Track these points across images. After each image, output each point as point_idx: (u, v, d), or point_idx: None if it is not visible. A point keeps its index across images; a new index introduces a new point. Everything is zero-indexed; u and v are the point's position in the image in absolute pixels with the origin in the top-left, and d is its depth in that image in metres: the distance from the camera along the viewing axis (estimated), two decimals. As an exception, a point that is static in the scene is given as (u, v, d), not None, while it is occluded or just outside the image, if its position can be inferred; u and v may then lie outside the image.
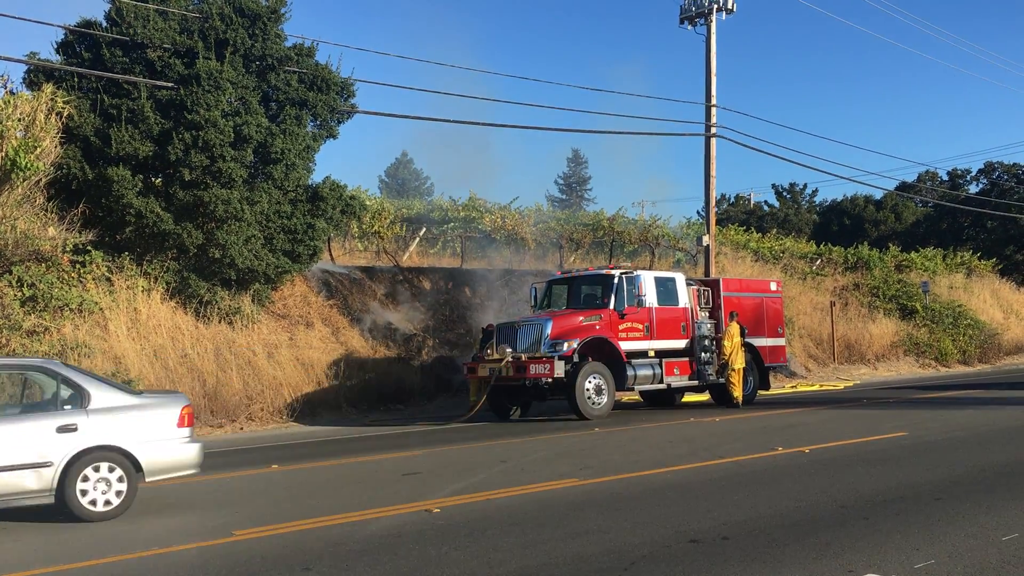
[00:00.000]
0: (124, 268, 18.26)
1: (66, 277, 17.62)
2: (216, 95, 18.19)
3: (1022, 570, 5.98)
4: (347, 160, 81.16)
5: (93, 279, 17.87)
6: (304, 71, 20.00)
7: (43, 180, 17.42)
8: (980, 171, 56.27)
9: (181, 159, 18.05)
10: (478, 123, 31.21)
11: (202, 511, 8.74)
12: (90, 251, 17.94)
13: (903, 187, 56.28)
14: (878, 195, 58.00)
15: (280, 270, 19.76)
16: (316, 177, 21.13)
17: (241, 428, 17.81)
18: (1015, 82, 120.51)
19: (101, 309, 17.57)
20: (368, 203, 26.48)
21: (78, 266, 17.86)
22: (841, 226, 56.15)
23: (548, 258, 30.17)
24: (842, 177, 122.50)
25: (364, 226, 26.82)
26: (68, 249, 17.72)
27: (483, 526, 7.61)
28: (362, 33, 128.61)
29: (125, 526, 8.12)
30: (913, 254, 42.58)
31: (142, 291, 18.30)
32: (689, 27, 28.08)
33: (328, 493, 9.56)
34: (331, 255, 24.65)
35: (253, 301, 19.94)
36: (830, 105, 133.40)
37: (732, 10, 27.62)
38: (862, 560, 6.27)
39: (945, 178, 58.08)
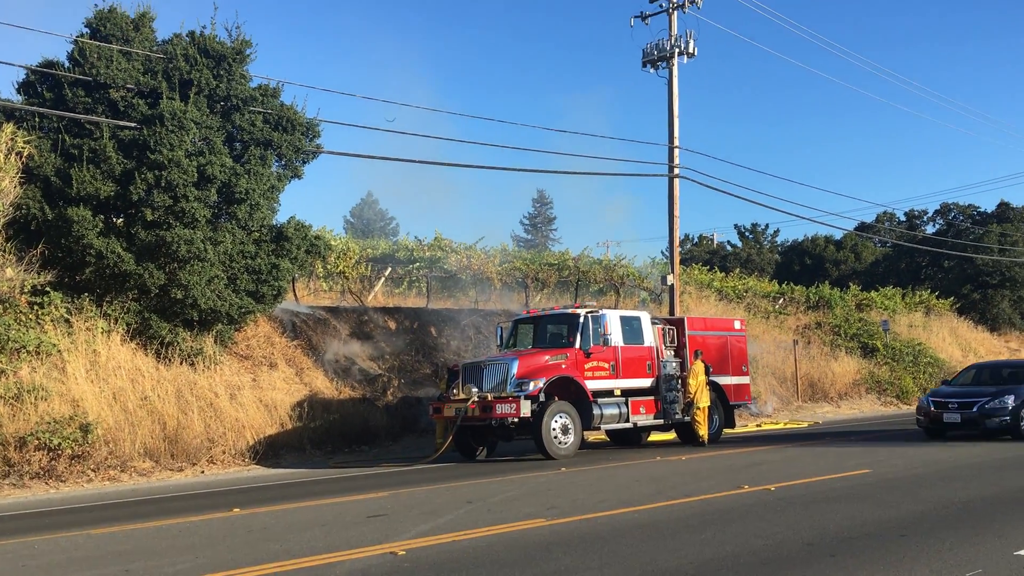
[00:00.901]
0: (84, 309, 17.99)
1: (24, 319, 17.33)
2: (180, 135, 18.12)
3: (986, 605, 6.01)
4: (312, 200, 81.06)
5: (51, 320, 17.58)
6: (269, 111, 20.00)
7: (1, 220, 17.20)
8: (936, 212, 57.49)
9: (143, 199, 17.92)
10: (444, 163, 31.60)
11: (160, 556, 8.53)
12: (49, 292, 17.67)
13: (862, 227, 57.29)
14: (838, 235, 59.00)
15: (243, 311, 19.57)
16: (281, 217, 21.08)
17: (202, 471, 17.49)
18: (969, 125, 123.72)
19: (59, 351, 17.26)
20: (333, 243, 26.42)
21: (36, 307, 17.57)
22: (803, 265, 56.93)
23: (514, 297, 30.22)
24: (803, 217, 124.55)
25: (329, 266, 26.73)
26: (26, 290, 17.47)
27: (450, 568, 7.51)
28: (328, 74, 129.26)
29: (87, 571, 7.90)
30: (873, 293, 43.24)
31: (102, 332, 18.02)
32: (652, 70, 28.52)
33: (291, 536, 9.38)
34: (295, 295, 24.49)
35: (216, 342, 19.71)
36: (791, 146, 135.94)
37: (693, 54, 28.13)
38: (829, 597, 6.26)
39: (903, 219, 59.24)
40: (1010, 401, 18.13)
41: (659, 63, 28.40)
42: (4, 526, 11.34)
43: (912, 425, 20.35)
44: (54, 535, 10.17)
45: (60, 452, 16.02)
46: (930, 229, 56.64)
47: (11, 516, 12.51)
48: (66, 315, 17.79)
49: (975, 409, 18.24)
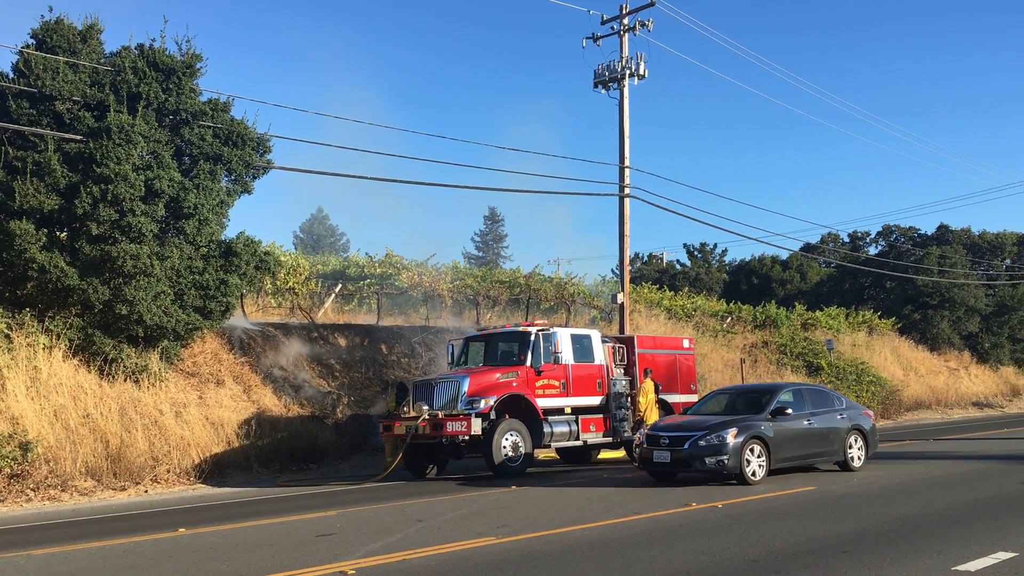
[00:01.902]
0: (25, 324, 17.58)
1: (-39, 334, 16.88)
2: (127, 148, 17.87)
3: (925, 619, 6.16)
4: (261, 216, 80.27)
5: (-10, 336, 17.15)
6: (219, 126, 19.81)
7: (-60, 233, 16.77)
8: (879, 233, 58.80)
9: (88, 213, 17.61)
10: (394, 180, 31.43)
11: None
12: (-12, 307, 17.24)
13: (807, 248, 58.37)
14: (784, 255, 60.03)
15: (190, 327, 19.28)
16: (230, 232, 20.87)
17: (146, 491, 17.16)
18: (910, 150, 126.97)
19: (-2, 367, 16.83)
20: (283, 259, 26.19)
21: (-26, 322, 17.13)
22: (750, 285, 57.79)
23: (465, 315, 30.23)
24: (750, 238, 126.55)
25: (279, 282, 26.48)
26: (-35, 305, 17.02)
27: (399, 587, 7.48)
28: (278, 91, 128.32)
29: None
30: (818, 312, 44.04)
31: (43, 348, 17.62)
32: (603, 91, 28.82)
33: (239, 556, 9.26)
34: (244, 311, 24.20)
35: (161, 358, 19.39)
36: (739, 167, 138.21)
37: (644, 76, 28.50)
38: (774, 613, 6.37)
39: (847, 240, 60.48)
40: (729, 437, 14.29)
41: (610, 84, 28.72)
42: (-62, 548, 11.01)
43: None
44: (-8, 557, 9.91)
45: (-2, 471, 15.61)
46: (873, 250, 57.91)
47: (-54, 537, 12.15)
48: (6, 330, 17.37)
49: (686, 446, 14.46)
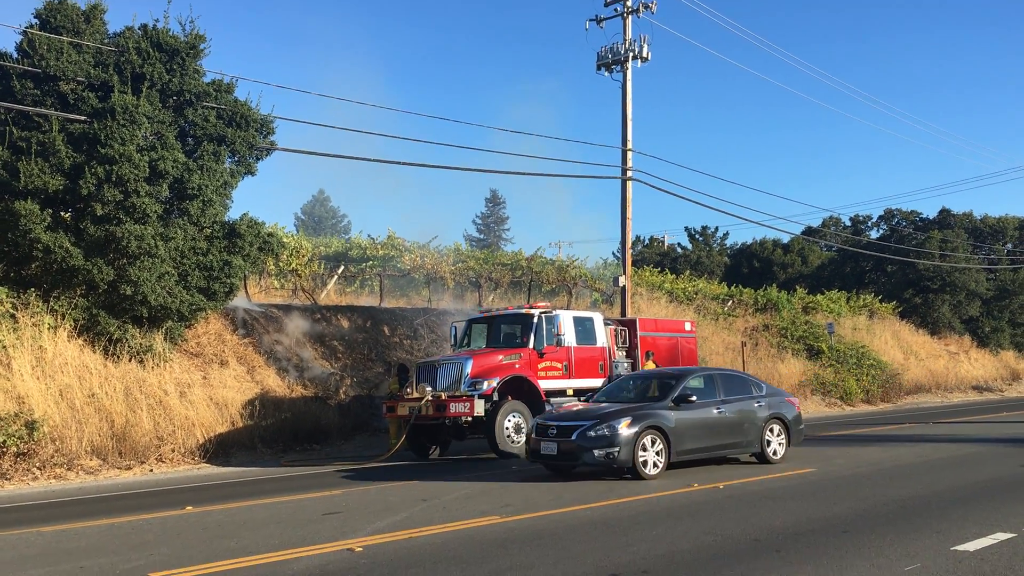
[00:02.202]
0: (30, 305, 17.66)
1: (-33, 314, 16.97)
2: (131, 129, 17.88)
3: (924, 597, 6.26)
4: (263, 197, 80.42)
5: (-4, 316, 17.23)
6: (223, 107, 19.82)
7: (-55, 213, 16.83)
8: (880, 217, 58.73)
9: (93, 194, 17.65)
10: (398, 162, 31.55)
11: (114, 554, 8.48)
12: (-7, 287, 17.32)
13: (809, 231, 58.35)
14: (785, 239, 59.98)
15: (194, 308, 19.36)
16: (233, 214, 20.89)
17: (151, 470, 17.30)
18: (912, 134, 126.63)
19: (4, 347, 16.93)
20: (286, 240, 26.24)
21: (-20, 302, 17.21)
22: (751, 268, 57.81)
23: (467, 297, 30.30)
24: (751, 221, 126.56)
25: (281, 264, 26.51)
26: (-30, 285, 17.09)
27: (407, 564, 7.60)
28: (280, 72, 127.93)
29: (40, 569, 7.83)
30: (819, 296, 44.11)
31: (48, 328, 17.70)
32: (606, 73, 28.80)
33: (247, 534, 9.38)
34: (247, 293, 24.28)
35: (166, 339, 19.48)
36: (741, 151, 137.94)
37: (647, 58, 28.46)
38: (776, 590, 6.47)
39: (848, 223, 60.44)
40: (621, 427, 13.00)
41: (613, 67, 28.69)
42: (-51, 525, 11.14)
43: (858, 426, 20.80)
44: (2, 532, 10.03)
45: (5, 450, 15.73)
46: (874, 234, 57.88)
47: (-45, 515, 12.29)
48: (11, 310, 17.46)
49: (574, 437, 13.19)
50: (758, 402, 15.01)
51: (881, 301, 47.27)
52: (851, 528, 8.88)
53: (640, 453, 13.06)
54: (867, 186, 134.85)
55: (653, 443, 13.26)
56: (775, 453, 15.00)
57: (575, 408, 14.70)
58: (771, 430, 15.04)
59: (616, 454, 12.93)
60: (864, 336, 41.84)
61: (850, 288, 49.58)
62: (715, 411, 14.24)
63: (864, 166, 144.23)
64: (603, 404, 14.38)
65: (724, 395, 14.58)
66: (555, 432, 13.50)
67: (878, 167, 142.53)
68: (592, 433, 13.08)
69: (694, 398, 13.93)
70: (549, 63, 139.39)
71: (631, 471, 13.08)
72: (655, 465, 13.22)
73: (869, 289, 50.90)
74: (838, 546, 8.03)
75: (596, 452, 13.00)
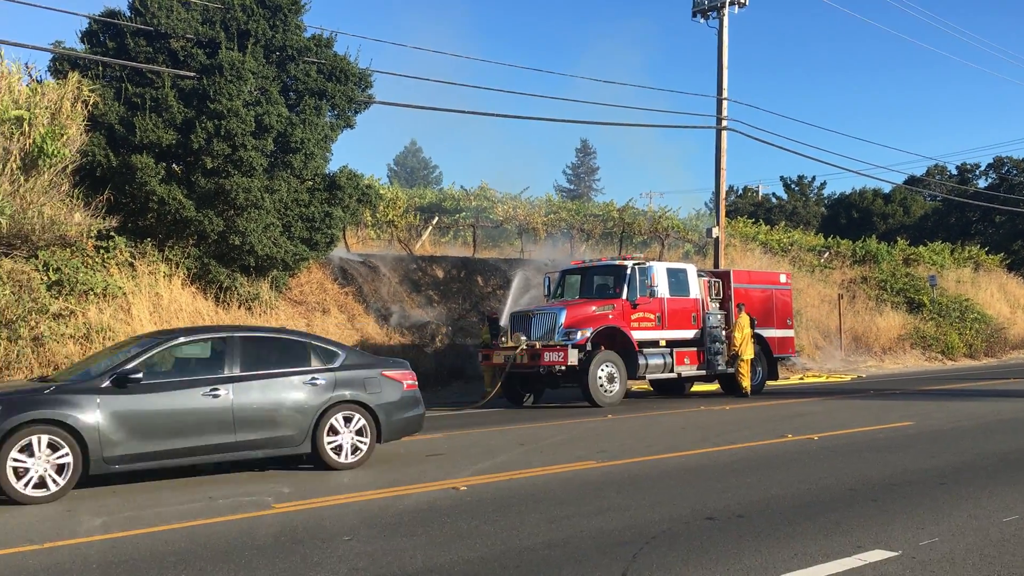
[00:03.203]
0: (146, 254, 18.63)
1: (90, 262, 18.01)
2: (238, 85, 18.52)
3: (1020, 547, 6.32)
4: (358, 148, 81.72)
5: (116, 264, 18.25)
6: (323, 61, 20.31)
7: (69, 167, 17.79)
8: (989, 166, 56.38)
9: (203, 147, 18.40)
10: (490, 114, 31.93)
11: (240, 485, 9.13)
12: (114, 237, 18.31)
13: (912, 181, 56.42)
14: (886, 188, 58.22)
15: (298, 257, 20.11)
16: (332, 166, 21.50)
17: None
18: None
19: (124, 293, 17.94)
20: (382, 192, 26.86)
21: (102, 251, 18.24)
22: (849, 219, 56.36)
23: (559, 248, 30.51)
24: (850, 170, 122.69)
25: (378, 215, 27.19)
26: (92, 235, 18.10)
27: (509, 503, 7.99)
28: (376, 23, 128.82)
29: (173, 498, 8.51)
30: (921, 248, 42.83)
31: (164, 276, 18.67)
32: (702, 20, 28.32)
33: (356, 472, 9.94)
34: (346, 243, 25.02)
35: (271, 287, 20.32)
36: (840, 98, 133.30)
37: (744, 3, 27.85)
38: (870, 537, 6.62)
39: (954, 172, 58.21)
40: None
41: (709, 12, 28.17)
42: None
43: (959, 380, 20.37)
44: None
45: (128, 390, 16.75)
46: (982, 183, 55.64)
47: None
48: (130, 259, 18.45)
49: None
50: (313, 379, 10.21)
51: (988, 253, 45.61)
52: (948, 480, 8.89)
53: (11, 470, 8.41)
54: (975, 133, 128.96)
55: (40, 454, 8.56)
56: (343, 454, 10.23)
57: None
58: (337, 421, 10.26)
59: None
60: (968, 289, 40.54)
61: (954, 240, 47.93)
62: (202, 394, 9.49)
63: (972, 112, 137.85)
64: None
65: (243, 369, 9.85)
66: None
67: (987, 113, 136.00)
68: None
69: (139, 376, 9.15)
70: (641, 8, 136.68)
71: None
72: (42, 485, 8.55)
73: (975, 240, 49.14)
74: (934, 497, 8.09)
75: None
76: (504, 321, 20.37)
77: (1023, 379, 24.00)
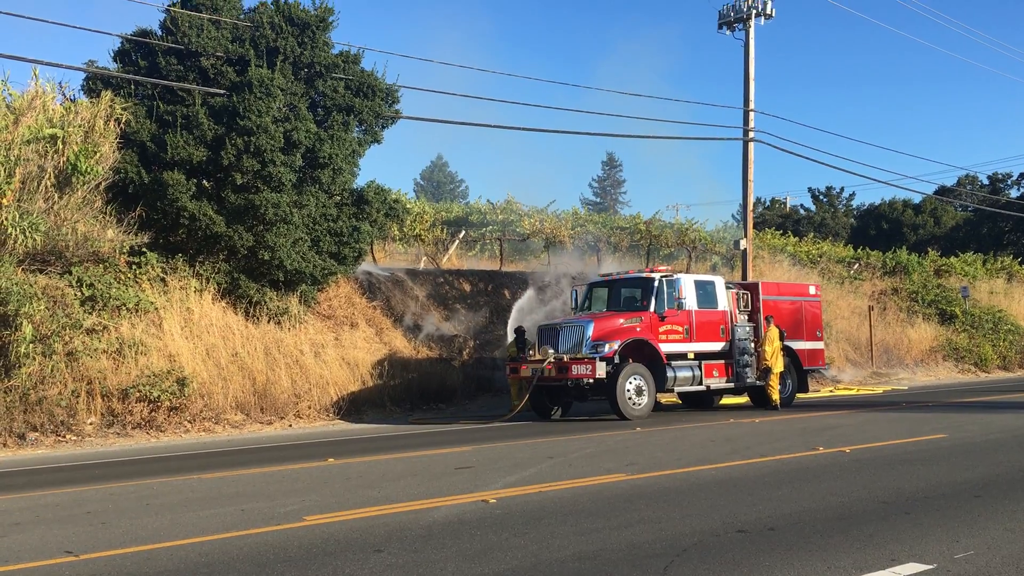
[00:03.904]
0: (178, 269, 18.87)
1: (123, 277, 18.27)
2: (267, 101, 18.74)
3: (1060, 561, 6.22)
4: (385, 163, 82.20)
5: (148, 279, 18.50)
6: (351, 78, 20.52)
7: (102, 184, 18.10)
8: (1021, 175, 55.75)
9: (233, 164, 18.62)
10: (516, 127, 31.87)
11: (270, 499, 9.19)
12: (145, 252, 18.58)
13: (942, 191, 55.86)
14: (916, 199, 57.67)
15: (326, 272, 20.27)
16: (360, 181, 21.68)
17: (290, 425, 18.33)
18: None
19: (156, 308, 18.18)
20: (409, 206, 27.01)
21: (134, 267, 18.51)
22: (879, 230, 55.86)
23: (586, 261, 30.48)
24: (879, 181, 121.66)
25: (406, 229, 27.33)
26: (125, 250, 18.37)
27: (539, 515, 7.98)
28: (403, 39, 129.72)
29: (207, 510, 8.58)
30: (952, 259, 42.35)
31: (194, 291, 18.90)
32: (728, 32, 28.30)
33: (386, 484, 9.97)
34: (374, 257, 25.18)
35: (300, 302, 20.48)
36: (868, 109, 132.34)
37: (771, 15, 27.81)
38: (904, 550, 6.55)
39: (985, 182, 57.56)
40: None
41: (735, 24, 28.16)
42: (118, 470, 12.20)
43: (993, 392, 20.10)
44: (168, 478, 10.97)
45: (159, 404, 16.96)
46: (1014, 193, 55.00)
47: (121, 462, 13.42)
48: (161, 274, 18.70)
49: None
50: None
51: (1021, 263, 44.99)
52: (984, 493, 8.77)
53: None
54: (1007, 142, 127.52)
55: None
56: None
57: None
58: None
59: None
60: (1002, 300, 40.01)
61: (987, 250, 47.34)
62: None
63: (1004, 121, 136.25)
64: None
65: None
66: None
67: (1019, 123, 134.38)
68: None
69: None
70: (666, 20, 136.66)
71: None
72: None
73: (1008, 251, 48.53)
74: (969, 510, 7.98)
75: None
76: (511, 328, 20.48)
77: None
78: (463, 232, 30.71)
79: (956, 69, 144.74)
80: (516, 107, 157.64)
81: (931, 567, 6.08)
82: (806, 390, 22.33)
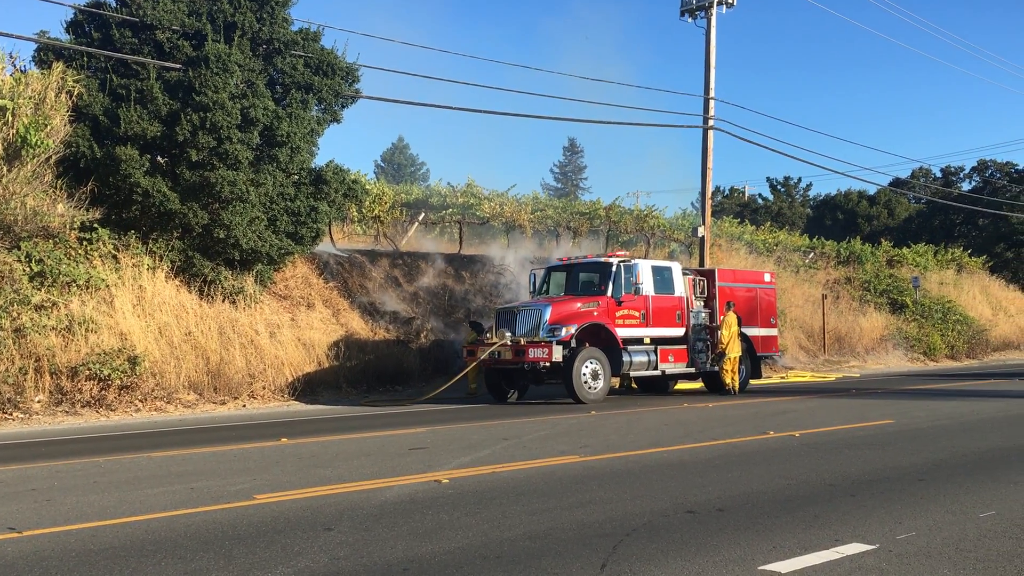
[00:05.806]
0: (130, 246, 18.55)
1: (73, 254, 17.93)
2: (224, 77, 18.46)
3: (997, 543, 6.38)
4: (343, 144, 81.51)
5: (100, 256, 18.17)
6: (310, 55, 20.27)
7: (52, 158, 17.71)
8: (973, 169, 56.90)
9: (189, 140, 18.33)
10: (477, 110, 31.94)
11: (221, 478, 9.10)
12: (97, 228, 18.24)
13: (896, 183, 56.83)
14: (871, 190, 58.57)
15: (283, 251, 20.06)
16: (319, 161, 21.46)
17: (244, 405, 18.17)
18: (1009, 81, 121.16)
19: (107, 286, 17.86)
20: (368, 187, 26.79)
21: (85, 243, 18.16)
22: (834, 220, 56.68)
23: (545, 245, 30.54)
24: (836, 172, 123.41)
25: (364, 210, 27.10)
26: (76, 226, 18.03)
27: (491, 495, 8.00)
28: (364, 17, 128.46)
29: (155, 488, 8.48)
30: (905, 249, 43.12)
31: (147, 269, 18.60)
32: (689, 19, 28.42)
33: (339, 464, 9.93)
34: (332, 238, 24.96)
35: (256, 281, 20.27)
36: (826, 98, 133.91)
37: (732, 3, 27.95)
38: (848, 531, 6.66)
39: (938, 175, 58.63)
40: None
41: (697, 12, 28.26)
42: (66, 448, 12.01)
43: (940, 380, 20.53)
44: (117, 456, 10.82)
45: (110, 382, 16.71)
46: (966, 186, 56.07)
47: (69, 440, 13.20)
48: (113, 251, 18.37)
49: None
50: None
51: (971, 255, 45.97)
52: (928, 477, 8.96)
53: None
54: (960, 136, 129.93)
55: None
56: None
57: None
58: None
59: None
60: (951, 291, 40.85)
61: (938, 242, 48.30)
62: None
63: (957, 115, 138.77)
64: None
65: None
66: None
67: (972, 117, 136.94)
68: None
69: None
70: (628, 6, 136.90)
71: None
72: None
73: (958, 243, 49.52)
74: (913, 493, 8.15)
75: None
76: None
77: (1004, 380, 24.21)
78: (423, 214, 30.55)
79: (912, 61, 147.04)
80: (478, 89, 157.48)
81: (874, 547, 6.20)
82: (760, 376, 22.64)
